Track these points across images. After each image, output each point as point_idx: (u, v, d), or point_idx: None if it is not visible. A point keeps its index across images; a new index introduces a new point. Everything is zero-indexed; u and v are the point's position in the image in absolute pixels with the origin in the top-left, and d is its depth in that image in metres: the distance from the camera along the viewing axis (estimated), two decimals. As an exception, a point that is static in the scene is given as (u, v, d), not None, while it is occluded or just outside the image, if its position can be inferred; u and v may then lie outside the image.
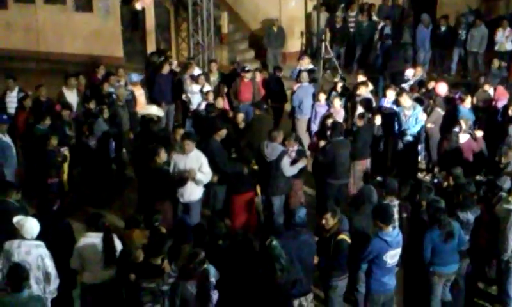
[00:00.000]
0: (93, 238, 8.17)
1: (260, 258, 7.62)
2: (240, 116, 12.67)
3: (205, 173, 10.39)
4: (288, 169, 10.68)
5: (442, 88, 13.99)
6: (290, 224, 7.90)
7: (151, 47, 20.56)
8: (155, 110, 12.89)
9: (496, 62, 16.05)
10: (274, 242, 7.44)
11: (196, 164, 10.29)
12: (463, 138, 11.62)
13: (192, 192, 10.46)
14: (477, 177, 10.34)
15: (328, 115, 12.53)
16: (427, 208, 8.61)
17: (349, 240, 8.00)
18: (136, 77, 15.11)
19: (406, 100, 12.78)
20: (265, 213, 11.22)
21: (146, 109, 13.04)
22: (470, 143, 11.68)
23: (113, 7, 20.54)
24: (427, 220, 8.49)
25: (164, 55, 16.74)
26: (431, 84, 14.39)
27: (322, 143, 11.49)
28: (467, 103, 13.01)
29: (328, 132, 11.70)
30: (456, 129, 11.66)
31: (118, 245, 8.25)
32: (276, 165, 10.60)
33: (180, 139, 10.89)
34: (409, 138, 12.75)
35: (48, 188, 11.38)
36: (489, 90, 13.93)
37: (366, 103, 13.56)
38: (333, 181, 11.16)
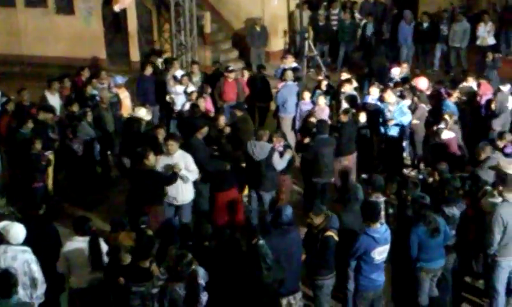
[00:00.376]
0: (80, 242, 8.13)
1: (247, 257, 7.61)
2: (222, 118, 12.61)
3: (191, 171, 10.42)
4: (279, 163, 10.81)
5: (423, 83, 14.07)
6: (277, 223, 7.89)
7: (134, 49, 20.53)
8: (143, 114, 12.83)
9: (490, 55, 16.12)
10: (261, 241, 7.44)
11: (182, 163, 10.29)
12: (449, 134, 11.66)
13: (185, 194, 10.46)
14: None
15: (310, 114, 12.54)
16: (412, 205, 8.63)
17: (336, 238, 8.01)
18: (120, 79, 15.03)
19: (390, 96, 12.83)
20: (249, 212, 11.24)
21: (135, 112, 12.95)
22: (457, 138, 11.75)
23: (95, 10, 20.42)
24: (412, 217, 8.51)
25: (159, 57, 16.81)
26: (415, 80, 14.45)
27: (306, 140, 11.50)
28: (453, 98, 13.10)
29: (312, 130, 11.76)
30: (442, 125, 11.71)
31: (105, 248, 8.21)
32: (267, 163, 10.67)
33: (163, 140, 10.87)
34: (394, 134, 12.79)
35: (33, 192, 11.31)
36: (472, 84, 14.01)
37: (351, 100, 13.61)
38: (317, 180, 11.21)
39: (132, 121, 12.61)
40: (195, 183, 10.75)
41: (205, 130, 11.39)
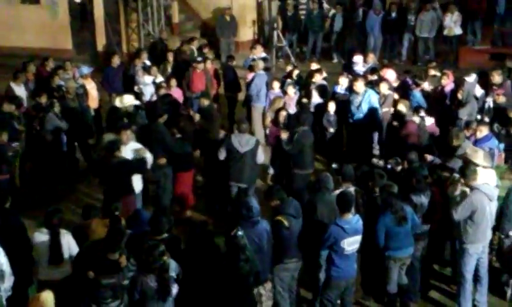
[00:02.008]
0: (46, 235, 8.08)
1: (225, 248, 7.58)
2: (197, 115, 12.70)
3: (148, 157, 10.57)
4: (261, 156, 10.94)
5: (390, 74, 14.16)
6: (247, 216, 7.86)
7: (101, 39, 20.32)
8: (130, 100, 12.68)
9: None
10: (240, 232, 7.41)
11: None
12: (430, 119, 11.88)
13: (135, 184, 10.48)
14: (429, 158, 10.49)
15: (282, 107, 12.52)
16: (380, 193, 8.70)
17: (285, 223, 8.02)
18: (86, 69, 14.83)
19: (360, 86, 12.87)
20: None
21: (121, 100, 12.75)
22: (432, 128, 11.95)
23: (61, -1, 20.19)
24: (380, 205, 8.58)
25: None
26: (383, 71, 14.53)
27: (284, 134, 11.46)
28: (421, 88, 13.25)
29: (282, 123, 11.81)
30: (416, 118, 11.80)
31: (72, 242, 8.13)
32: (251, 155, 10.70)
33: (117, 131, 10.81)
34: (362, 123, 12.85)
35: (-1, 184, 11.13)
36: (437, 74, 14.14)
37: (321, 90, 13.65)
38: (299, 172, 11.11)
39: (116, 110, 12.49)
40: (159, 168, 10.86)
41: (165, 117, 11.52)
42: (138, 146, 10.51)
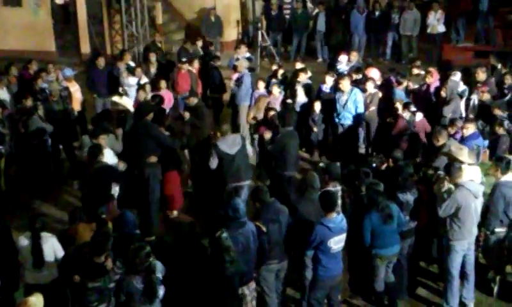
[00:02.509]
0: (29, 239, 8.06)
1: (210, 249, 7.54)
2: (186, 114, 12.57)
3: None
4: (250, 151, 11.03)
5: (374, 74, 14.19)
6: (233, 217, 7.83)
7: (84, 41, 20.21)
8: (127, 100, 12.62)
9: None
10: (225, 234, 7.38)
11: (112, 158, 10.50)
12: (419, 115, 11.95)
13: None
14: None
15: (270, 107, 12.50)
16: (366, 191, 8.71)
17: (263, 228, 7.99)
18: (69, 72, 14.74)
19: (346, 85, 12.88)
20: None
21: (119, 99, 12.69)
22: (423, 123, 12.01)
23: (43, 1, 20.01)
24: (366, 204, 8.59)
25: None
26: (367, 70, 14.57)
27: (267, 134, 11.44)
28: (403, 87, 13.27)
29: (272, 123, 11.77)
30: (406, 114, 11.84)
31: (57, 246, 8.09)
32: (242, 153, 10.70)
33: (93, 135, 10.78)
34: (348, 122, 12.88)
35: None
36: (421, 73, 14.20)
37: (306, 89, 13.66)
38: (282, 173, 11.01)
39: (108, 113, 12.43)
40: (150, 165, 10.79)
41: (151, 115, 11.30)
42: (111, 153, 10.47)
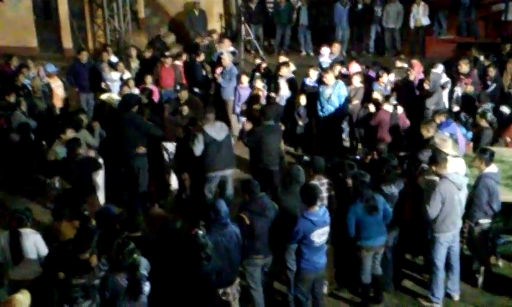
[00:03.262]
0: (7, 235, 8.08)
1: (185, 247, 7.50)
2: (184, 93, 12.55)
3: None
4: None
5: (355, 68, 14.20)
6: (216, 220, 7.77)
7: (66, 36, 20.06)
8: (116, 97, 12.58)
9: None
10: (201, 232, 7.35)
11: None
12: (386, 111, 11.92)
13: None
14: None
15: (255, 100, 12.46)
16: (352, 182, 8.70)
17: (246, 220, 7.99)
18: (51, 67, 14.63)
19: (330, 78, 12.87)
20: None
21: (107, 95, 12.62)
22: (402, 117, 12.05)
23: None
24: (351, 194, 8.58)
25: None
26: (349, 65, 14.57)
27: (247, 125, 11.43)
28: (382, 81, 13.29)
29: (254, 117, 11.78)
30: (388, 107, 11.87)
31: (39, 243, 8.05)
32: (227, 141, 10.77)
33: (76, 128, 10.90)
34: (332, 115, 12.87)
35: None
36: (404, 66, 14.23)
37: (289, 83, 13.64)
38: (261, 166, 11.00)
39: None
40: (138, 155, 10.82)
41: (136, 108, 11.36)
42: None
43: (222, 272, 7.73)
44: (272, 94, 13.35)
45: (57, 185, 10.73)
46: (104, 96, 12.63)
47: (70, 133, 10.57)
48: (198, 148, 10.52)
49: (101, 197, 10.96)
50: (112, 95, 12.78)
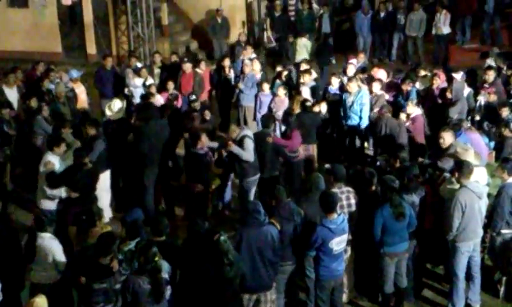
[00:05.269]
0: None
1: (209, 252, 7.54)
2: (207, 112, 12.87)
3: None
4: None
5: (381, 75, 14.16)
6: (253, 218, 7.78)
7: (90, 42, 20.26)
8: (119, 105, 12.62)
9: None
10: (223, 237, 7.38)
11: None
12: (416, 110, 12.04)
13: None
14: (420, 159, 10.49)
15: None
16: (380, 186, 8.66)
17: (277, 226, 7.97)
18: (75, 73, 14.78)
19: (353, 87, 12.86)
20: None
21: (110, 108, 12.63)
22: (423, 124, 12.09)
23: (49, 2, 20.05)
24: (380, 197, 8.53)
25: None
26: (374, 71, 14.53)
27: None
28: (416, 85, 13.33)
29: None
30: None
31: (55, 248, 8.07)
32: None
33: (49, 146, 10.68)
34: (354, 123, 12.85)
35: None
36: (427, 74, 14.17)
37: (311, 90, 13.64)
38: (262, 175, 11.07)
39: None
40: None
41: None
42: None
43: (245, 275, 7.69)
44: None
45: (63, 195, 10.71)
46: (108, 113, 12.61)
47: (57, 149, 10.35)
48: (250, 154, 10.65)
49: (107, 199, 11.12)
50: (115, 106, 12.70)
